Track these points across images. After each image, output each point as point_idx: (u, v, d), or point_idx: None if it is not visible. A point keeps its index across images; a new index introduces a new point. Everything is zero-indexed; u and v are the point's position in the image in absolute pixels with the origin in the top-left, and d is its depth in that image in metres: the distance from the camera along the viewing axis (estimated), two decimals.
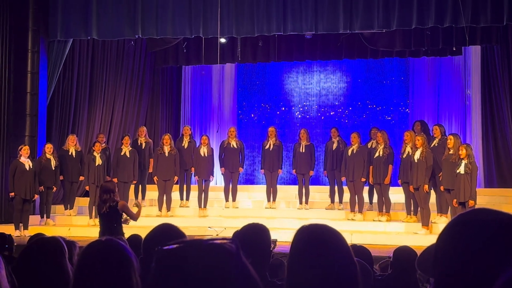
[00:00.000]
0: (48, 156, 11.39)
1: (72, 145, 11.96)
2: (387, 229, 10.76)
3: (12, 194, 10.77)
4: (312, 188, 12.40)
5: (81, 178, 11.91)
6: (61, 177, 11.78)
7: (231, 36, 12.04)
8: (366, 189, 11.58)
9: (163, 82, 15.60)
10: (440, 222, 10.12)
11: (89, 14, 11.83)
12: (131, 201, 11.70)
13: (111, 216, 7.27)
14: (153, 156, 12.23)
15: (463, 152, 9.37)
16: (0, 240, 5.47)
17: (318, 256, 1.77)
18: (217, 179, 14.00)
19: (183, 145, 12.39)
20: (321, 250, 1.78)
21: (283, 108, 15.81)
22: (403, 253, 4.59)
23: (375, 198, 11.39)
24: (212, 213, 12.18)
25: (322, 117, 15.48)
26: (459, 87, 14.39)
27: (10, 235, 5.81)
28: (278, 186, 12.45)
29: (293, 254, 1.82)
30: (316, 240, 1.82)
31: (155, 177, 11.97)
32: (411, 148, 10.35)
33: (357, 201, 11.23)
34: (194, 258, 1.21)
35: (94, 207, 11.42)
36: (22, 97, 11.86)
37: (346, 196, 11.58)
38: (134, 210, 7.65)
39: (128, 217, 7.51)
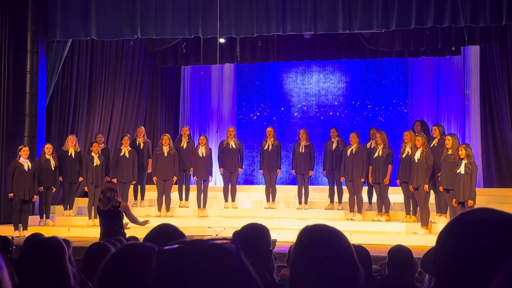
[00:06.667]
0: (47, 156, 11.38)
1: (71, 146, 11.94)
2: (387, 229, 10.76)
3: (11, 195, 10.75)
4: (311, 188, 12.41)
5: (80, 179, 11.90)
6: (61, 178, 11.76)
7: (230, 36, 12.04)
8: (365, 189, 11.58)
9: (162, 82, 15.60)
10: (440, 222, 10.13)
11: (88, 14, 11.82)
12: (130, 202, 11.73)
13: (113, 216, 7.27)
14: (152, 156, 12.22)
15: (462, 152, 9.38)
16: (4, 243, 5.47)
17: (321, 256, 1.77)
18: (216, 179, 14.00)
19: (181, 145, 12.38)
20: (324, 250, 1.79)
21: (282, 108, 15.81)
22: (398, 252, 4.60)
23: (374, 198, 11.39)
24: (211, 213, 12.18)
25: (322, 117, 15.47)
26: (458, 87, 14.40)
27: (12, 237, 5.81)
28: (277, 186, 12.46)
29: (297, 254, 1.82)
30: (319, 240, 1.83)
31: (154, 177, 11.96)
32: (411, 148, 10.36)
33: (356, 201, 11.24)
34: (195, 258, 1.21)
35: (93, 207, 11.43)
36: (21, 98, 11.86)
37: (346, 196, 11.59)
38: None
39: (128, 221, 7.54)
